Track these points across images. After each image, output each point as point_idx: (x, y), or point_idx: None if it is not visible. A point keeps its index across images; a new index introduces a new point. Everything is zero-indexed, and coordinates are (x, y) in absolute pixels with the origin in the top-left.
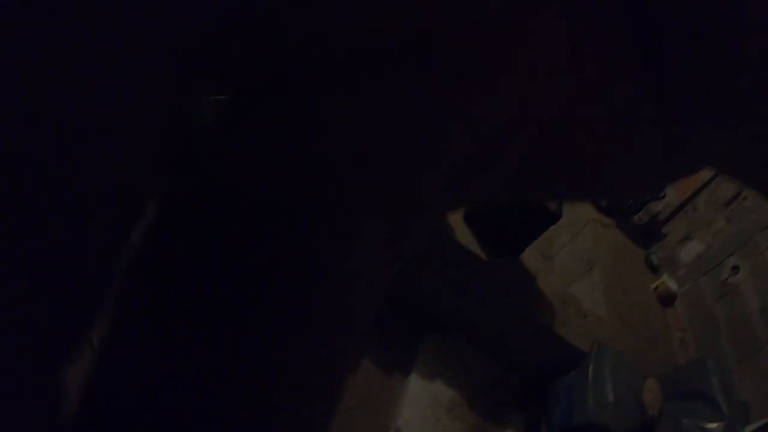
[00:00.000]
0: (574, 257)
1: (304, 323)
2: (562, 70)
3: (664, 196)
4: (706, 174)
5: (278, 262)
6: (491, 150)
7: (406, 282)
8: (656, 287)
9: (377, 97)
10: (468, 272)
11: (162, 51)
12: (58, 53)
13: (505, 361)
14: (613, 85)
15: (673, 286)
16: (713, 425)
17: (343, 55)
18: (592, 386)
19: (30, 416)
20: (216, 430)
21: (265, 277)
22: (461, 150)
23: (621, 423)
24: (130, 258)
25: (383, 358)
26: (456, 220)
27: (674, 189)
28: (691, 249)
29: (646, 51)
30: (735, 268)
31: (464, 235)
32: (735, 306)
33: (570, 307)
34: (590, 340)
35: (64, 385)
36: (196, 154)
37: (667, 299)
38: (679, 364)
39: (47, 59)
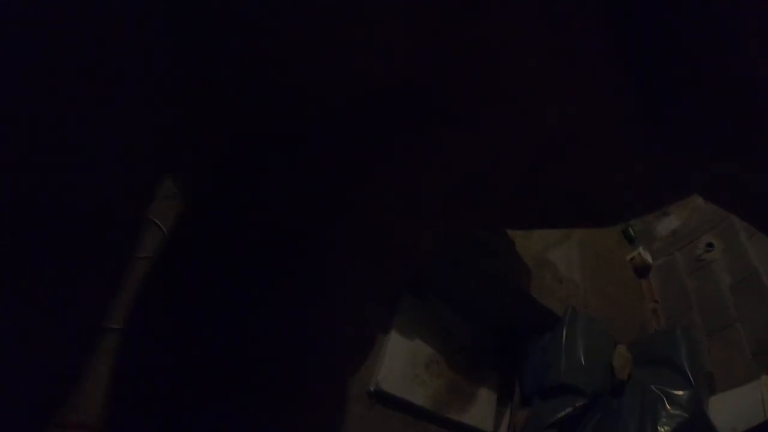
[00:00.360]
0: None
1: (307, 331)
2: (539, 103)
3: None
4: None
5: (279, 275)
6: (476, 188)
7: None
8: (632, 258)
9: (359, 141)
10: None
11: (162, 52)
12: (60, 54)
13: (482, 321)
14: (603, 109)
15: (648, 258)
16: (679, 392)
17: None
18: (564, 349)
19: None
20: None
21: (269, 281)
22: (446, 189)
23: (591, 385)
24: (148, 259)
25: None
26: None
27: None
28: (668, 224)
29: (635, 71)
30: (709, 246)
31: None
32: (707, 281)
33: (546, 272)
34: (565, 304)
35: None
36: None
37: (641, 270)
38: (648, 332)
39: (49, 60)
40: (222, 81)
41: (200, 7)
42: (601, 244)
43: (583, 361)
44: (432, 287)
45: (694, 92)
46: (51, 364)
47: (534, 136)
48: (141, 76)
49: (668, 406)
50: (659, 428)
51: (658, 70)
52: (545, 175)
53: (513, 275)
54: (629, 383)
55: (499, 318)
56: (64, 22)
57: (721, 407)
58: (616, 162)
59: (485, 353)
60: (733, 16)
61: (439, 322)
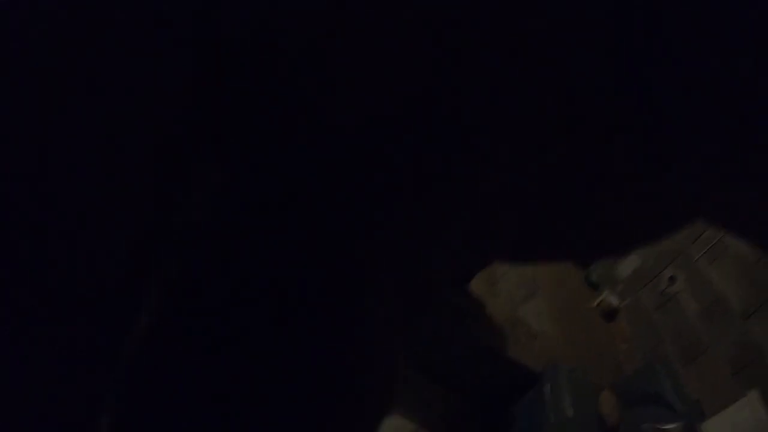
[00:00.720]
0: (518, 281)
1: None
2: (543, 146)
3: None
4: None
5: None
6: (489, 223)
7: None
8: (598, 304)
9: (383, 185)
10: None
11: (166, 54)
12: (62, 56)
13: (461, 388)
14: (604, 147)
15: (614, 301)
16: (671, 426)
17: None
18: (550, 404)
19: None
20: None
21: (284, 325)
22: (463, 226)
23: None
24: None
25: None
26: None
27: None
28: (628, 265)
29: (633, 90)
30: (672, 279)
31: None
32: (675, 314)
33: (519, 330)
34: (542, 360)
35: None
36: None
37: (609, 314)
38: (627, 373)
39: (49, 62)
40: (228, 85)
41: (206, 10)
42: (566, 295)
43: (571, 414)
44: (407, 361)
45: (694, 113)
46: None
47: (546, 166)
48: (143, 78)
49: None
50: None
51: (659, 89)
52: (556, 206)
53: (488, 338)
54: (621, 427)
55: (479, 383)
56: (68, 23)
57: (716, 431)
58: (621, 187)
59: (469, 421)
60: (729, 35)
61: (418, 396)
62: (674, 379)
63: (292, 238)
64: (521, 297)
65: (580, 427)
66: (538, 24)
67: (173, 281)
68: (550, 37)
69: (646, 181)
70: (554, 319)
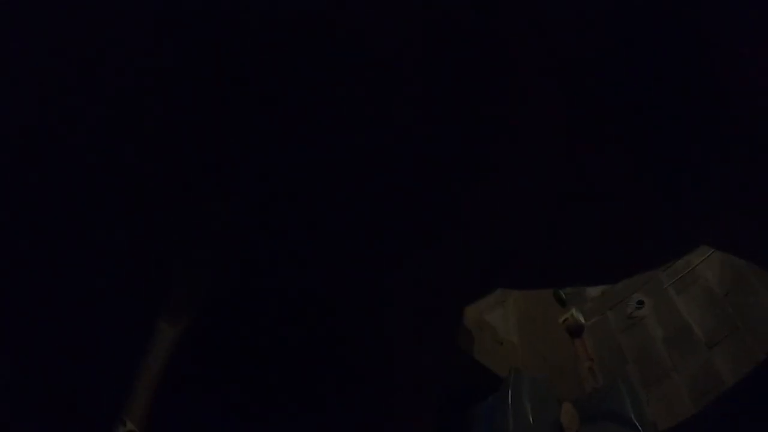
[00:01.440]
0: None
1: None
2: (555, 171)
3: None
4: None
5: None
6: (491, 233)
7: None
8: (565, 320)
9: (383, 186)
10: None
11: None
12: (61, 55)
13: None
14: (605, 146)
15: (580, 318)
16: None
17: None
18: (511, 410)
19: None
20: None
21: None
22: (465, 233)
23: None
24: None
25: None
26: None
27: None
28: (598, 286)
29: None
30: (640, 303)
31: None
32: (640, 337)
33: (486, 334)
34: (505, 366)
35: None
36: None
37: (575, 330)
38: (587, 390)
39: (50, 62)
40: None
41: (206, 10)
42: (535, 307)
43: (531, 421)
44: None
45: (699, 149)
46: None
47: (551, 198)
48: (143, 78)
49: None
50: None
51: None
52: (562, 236)
53: (457, 339)
54: None
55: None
56: (68, 23)
57: None
58: (624, 194)
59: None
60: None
61: None
62: (636, 399)
63: (292, 238)
64: (491, 303)
65: None
66: (539, 25)
67: (175, 281)
68: (550, 36)
69: (647, 188)
70: (521, 329)
